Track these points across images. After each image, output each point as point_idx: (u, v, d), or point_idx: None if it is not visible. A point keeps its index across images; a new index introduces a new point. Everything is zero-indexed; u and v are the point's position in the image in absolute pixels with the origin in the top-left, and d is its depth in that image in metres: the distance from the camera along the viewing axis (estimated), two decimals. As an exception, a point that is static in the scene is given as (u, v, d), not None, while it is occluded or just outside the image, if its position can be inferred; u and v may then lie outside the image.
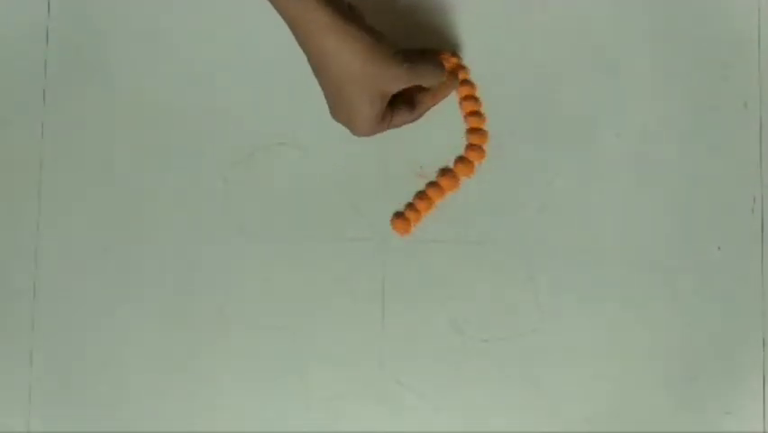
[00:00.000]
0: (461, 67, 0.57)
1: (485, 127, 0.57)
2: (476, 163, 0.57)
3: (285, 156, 0.57)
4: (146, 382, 0.57)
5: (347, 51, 0.45)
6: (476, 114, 0.57)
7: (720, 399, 0.55)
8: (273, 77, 0.58)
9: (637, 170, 0.57)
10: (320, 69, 0.46)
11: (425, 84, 0.51)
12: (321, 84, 0.47)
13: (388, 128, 0.51)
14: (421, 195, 0.57)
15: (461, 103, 0.57)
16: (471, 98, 0.57)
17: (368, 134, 0.50)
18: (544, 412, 0.55)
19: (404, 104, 0.52)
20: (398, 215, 0.57)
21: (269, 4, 0.45)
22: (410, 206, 0.57)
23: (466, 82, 0.57)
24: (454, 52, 0.57)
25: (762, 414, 0.55)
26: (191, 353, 0.57)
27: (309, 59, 0.46)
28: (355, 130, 0.49)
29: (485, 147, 0.57)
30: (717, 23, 0.57)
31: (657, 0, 0.57)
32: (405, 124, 0.52)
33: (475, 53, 0.58)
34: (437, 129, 0.57)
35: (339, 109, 0.48)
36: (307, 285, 0.57)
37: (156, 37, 0.58)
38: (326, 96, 0.48)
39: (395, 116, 0.51)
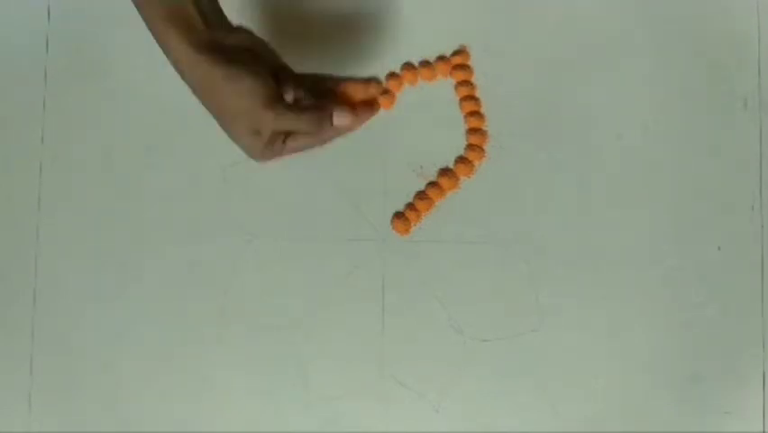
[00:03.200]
0: (466, 67, 0.57)
1: (485, 127, 0.57)
2: (476, 163, 0.57)
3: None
4: (146, 383, 0.57)
5: (199, 84, 0.43)
6: (476, 114, 0.57)
7: (720, 399, 0.55)
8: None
9: (637, 170, 0.57)
10: (200, 98, 0.44)
11: (296, 131, 0.46)
12: (219, 120, 0.45)
13: (287, 154, 0.46)
14: (421, 195, 0.57)
15: (461, 103, 0.57)
16: (471, 98, 0.57)
17: (261, 161, 0.46)
18: (544, 412, 0.56)
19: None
20: (398, 215, 0.57)
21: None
22: (410, 206, 0.57)
23: (466, 82, 0.57)
24: (462, 51, 0.57)
25: (762, 414, 0.55)
26: (191, 353, 0.57)
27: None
28: (246, 153, 0.46)
29: (485, 147, 0.57)
30: (717, 23, 0.57)
31: (657, 0, 0.57)
32: (306, 149, 0.47)
33: (475, 53, 0.58)
34: (437, 129, 0.57)
35: (224, 131, 0.46)
36: (307, 285, 0.57)
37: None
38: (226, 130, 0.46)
39: (289, 141, 0.46)
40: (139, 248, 0.57)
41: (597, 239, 0.56)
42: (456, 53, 0.58)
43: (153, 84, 0.58)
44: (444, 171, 0.57)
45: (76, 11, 0.59)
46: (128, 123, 0.58)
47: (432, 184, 0.57)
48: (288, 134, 0.45)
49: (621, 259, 0.56)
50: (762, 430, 0.55)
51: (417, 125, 0.57)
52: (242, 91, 0.43)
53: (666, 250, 0.56)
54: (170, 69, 0.58)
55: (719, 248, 0.56)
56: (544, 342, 0.56)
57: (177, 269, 0.57)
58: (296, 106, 0.45)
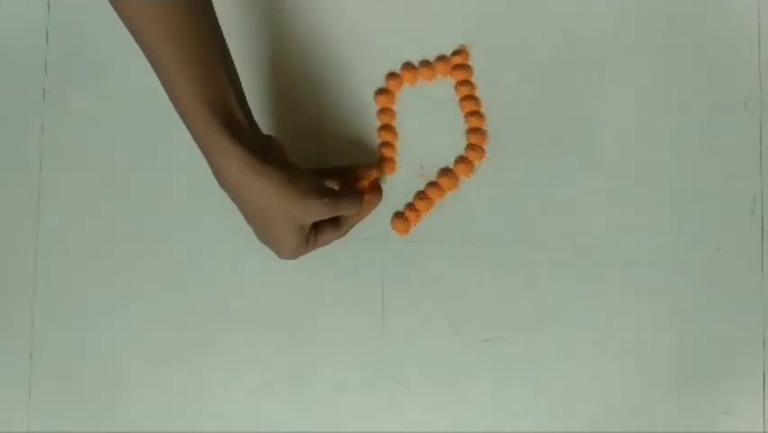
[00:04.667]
0: (466, 67, 0.57)
1: (485, 127, 0.57)
2: (476, 163, 0.57)
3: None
4: (146, 382, 0.57)
5: (260, 191, 0.44)
6: (476, 114, 0.57)
7: (720, 399, 0.55)
8: (273, 76, 0.58)
9: (637, 170, 0.57)
10: (237, 202, 0.46)
11: (344, 214, 0.51)
12: (241, 213, 0.47)
13: (315, 248, 0.51)
14: (421, 195, 0.57)
15: (461, 103, 0.57)
16: (471, 98, 0.57)
17: (293, 258, 0.50)
18: (544, 412, 0.56)
19: (330, 223, 0.51)
20: (398, 215, 0.57)
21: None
22: (410, 206, 0.57)
23: (466, 82, 0.57)
24: (462, 51, 0.57)
25: (762, 414, 0.55)
26: (191, 353, 0.57)
27: (227, 192, 0.46)
28: (280, 255, 0.50)
29: (485, 147, 0.57)
30: (717, 23, 0.57)
31: (658, 1, 0.57)
32: (332, 241, 0.52)
33: (475, 54, 0.58)
34: (437, 129, 0.57)
35: (262, 237, 0.49)
36: (307, 285, 0.57)
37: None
38: (249, 224, 0.48)
39: (320, 235, 0.51)
40: (139, 248, 0.57)
41: (597, 239, 0.56)
42: (456, 53, 0.58)
43: (153, 83, 0.58)
44: (444, 171, 0.57)
45: (76, 9, 0.59)
46: (128, 122, 0.58)
47: (432, 184, 0.57)
48: (317, 229, 0.50)
49: (621, 259, 0.56)
50: (762, 430, 0.55)
51: (417, 125, 0.57)
52: (300, 190, 0.46)
53: (666, 250, 0.56)
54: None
55: (719, 248, 0.56)
56: (544, 342, 0.56)
57: (177, 269, 0.57)
58: (338, 193, 0.50)
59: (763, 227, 0.56)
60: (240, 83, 0.48)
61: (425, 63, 0.58)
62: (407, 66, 0.58)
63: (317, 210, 0.47)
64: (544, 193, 0.57)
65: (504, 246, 0.56)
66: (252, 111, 0.48)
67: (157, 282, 0.57)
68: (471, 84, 0.57)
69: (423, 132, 0.57)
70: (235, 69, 0.48)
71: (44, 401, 0.57)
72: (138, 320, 0.57)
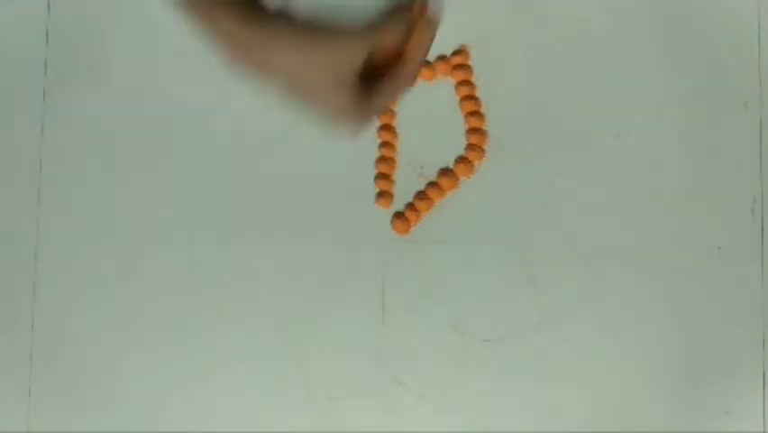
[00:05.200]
0: (466, 67, 0.57)
1: (485, 127, 0.57)
2: (476, 163, 0.57)
3: (285, 156, 0.57)
4: (146, 382, 0.57)
5: (283, 35, 0.38)
6: (476, 114, 0.57)
7: (720, 399, 0.55)
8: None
9: (637, 170, 0.57)
10: (272, 82, 0.39)
11: (389, 40, 0.40)
12: (289, 98, 0.40)
13: (374, 109, 0.41)
14: (421, 195, 0.57)
15: (461, 103, 0.57)
16: (471, 98, 0.57)
17: (358, 123, 0.41)
18: (544, 412, 0.55)
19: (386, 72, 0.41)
20: (398, 215, 0.57)
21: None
22: (410, 206, 0.57)
23: (466, 82, 0.57)
24: (462, 51, 0.57)
25: (762, 414, 0.55)
26: (191, 353, 0.57)
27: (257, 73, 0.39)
28: (339, 123, 0.41)
29: (485, 147, 0.57)
30: (717, 23, 0.57)
31: (658, 0, 0.57)
32: (393, 98, 0.42)
33: (475, 53, 0.58)
34: (437, 129, 0.57)
35: (311, 107, 0.41)
36: (307, 285, 0.57)
37: (156, 37, 0.58)
38: (302, 108, 0.41)
39: (376, 95, 0.40)
40: (139, 248, 0.57)
41: (597, 239, 0.56)
42: (456, 53, 0.58)
43: (154, 83, 0.58)
44: (444, 171, 0.57)
45: (76, 9, 0.59)
46: (128, 123, 0.58)
47: (432, 184, 0.57)
48: (367, 89, 0.40)
49: (621, 259, 0.56)
50: (762, 430, 0.55)
51: (417, 125, 0.57)
52: (316, 39, 0.38)
53: (666, 250, 0.56)
54: (171, 68, 0.58)
55: (719, 248, 0.56)
56: (544, 342, 0.56)
57: (176, 269, 0.57)
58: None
59: (763, 227, 0.56)
60: None
61: (425, 63, 0.58)
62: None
63: (354, 46, 0.38)
64: (544, 193, 0.57)
65: (504, 246, 0.56)
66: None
67: (157, 282, 0.57)
68: (471, 84, 0.57)
69: (423, 132, 0.57)
70: None
71: (44, 401, 0.57)
72: (138, 320, 0.57)
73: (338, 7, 0.41)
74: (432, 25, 0.43)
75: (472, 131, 0.57)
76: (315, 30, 0.38)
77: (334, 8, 0.40)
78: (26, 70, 0.58)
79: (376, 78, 0.41)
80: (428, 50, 0.43)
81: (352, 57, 0.39)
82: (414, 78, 0.42)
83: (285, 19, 0.39)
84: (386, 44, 0.41)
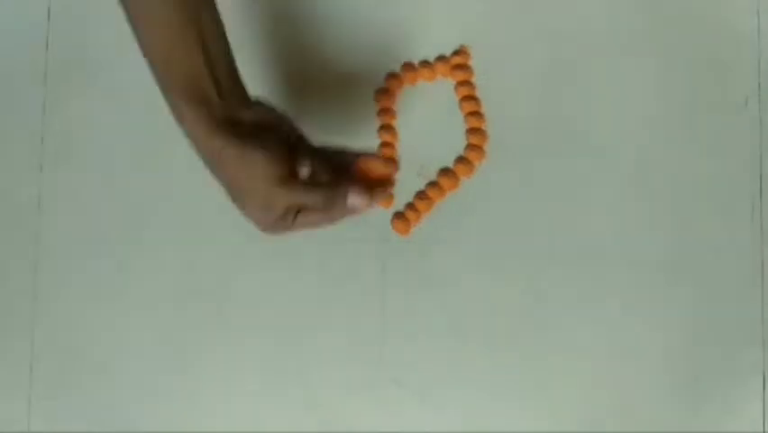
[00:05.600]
0: (466, 67, 0.57)
1: (485, 127, 0.57)
2: (476, 163, 0.57)
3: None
4: (146, 382, 0.57)
5: (217, 161, 0.43)
6: (476, 114, 0.57)
7: (720, 399, 0.55)
8: (273, 76, 0.58)
9: (637, 170, 0.57)
10: (212, 171, 0.45)
11: (313, 208, 0.45)
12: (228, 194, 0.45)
13: (298, 229, 0.46)
14: (421, 195, 0.57)
15: (461, 103, 0.57)
16: (471, 98, 0.57)
17: (271, 234, 0.45)
18: (543, 412, 0.55)
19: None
20: (398, 215, 0.57)
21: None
22: (410, 206, 0.57)
23: (466, 83, 0.57)
24: (462, 52, 0.57)
25: (762, 414, 0.55)
26: (191, 353, 0.57)
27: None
28: (258, 227, 0.45)
29: (485, 147, 0.57)
30: (717, 23, 0.57)
31: (657, 0, 0.57)
32: (319, 224, 0.46)
33: (475, 54, 0.58)
34: (437, 129, 0.57)
35: (237, 207, 0.45)
36: (308, 285, 0.57)
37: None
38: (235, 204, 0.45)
39: (301, 217, 0.45)
40: (139, 248, 0.57)
41: (597, 239, 0.56)
42: (456, 53, 0.58)
43: (153, 89, 0.58)
44: (444, 171, 0.57)
45: (76, 17, 0.59)
46: (128, 123, 0.58)
47: (432, 184, 0.57)
48: (299, 210, 0.45)
49: (621, 259, 0.56)
50: (762, 430, 0.55)
51: (417, 125, 0.57)
52: (256, 170, 0.43)
53: (666, 250, 0.56)
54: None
55: (719, 248, 0.56)
56: (544, 342, 0.56)
57: (176, 269, 0.57)
58: (309, 183, 0.44)
59: (762, 227, 0.56)
60: (220, 39, 0.44)
61: (425, 63, 0.58)
62: (407, 66, 0.58)
63: (275, 196, 0.43)
64: (544, 193, 0.57)
65: (504, 246, 0.56)
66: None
67: (157, 283, 0.57)
68: (471, 84, 0.57)
69: (423, 132, 0.57)
70: (217, 23, 0.44)
71: (44, 401, 0.57)
72: (138, 320, 0.57)
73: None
74: (384, 195, 0.47)
75: (472, 131, 0.57)
76: (251, 162, 0.43)
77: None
78: (26, 77, 0.58)
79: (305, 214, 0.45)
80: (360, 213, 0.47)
81: (275, 202, 0.43)
82: (335, 221, 0.46)
83: (243, 126, 0.43)
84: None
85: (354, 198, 0.45)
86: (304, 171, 0.45)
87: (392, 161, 0.49)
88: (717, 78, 0.57)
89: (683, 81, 0.57)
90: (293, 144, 0.45)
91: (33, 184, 0.58)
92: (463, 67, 0.57)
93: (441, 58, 0.58)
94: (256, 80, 0.57)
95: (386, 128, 0.57)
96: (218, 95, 0.43)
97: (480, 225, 0.57)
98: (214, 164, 0.44)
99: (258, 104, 0.45)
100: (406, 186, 0.57)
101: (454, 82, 0.57)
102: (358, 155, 0.47)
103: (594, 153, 0.57)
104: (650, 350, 0.56)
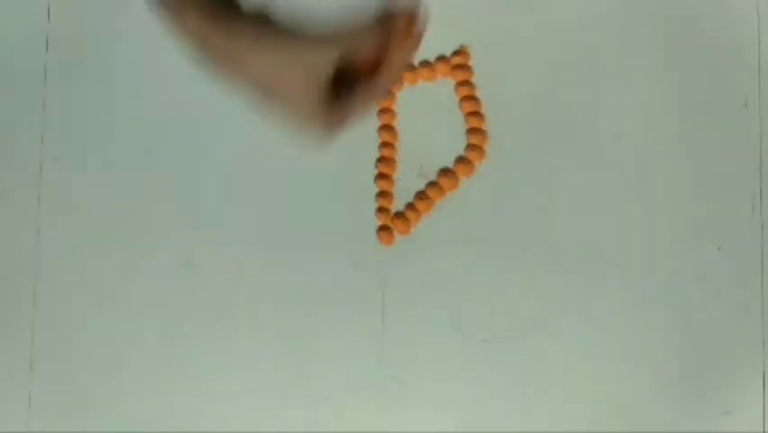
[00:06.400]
0: (466, 67, 0.57)
1: (485, 127, 0.57)
2: (476, 163, 0.57)
3: (285, 156, 0.57)
4: (146, 383, 0.57)
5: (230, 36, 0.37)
6: (476, 114, 0.57)
7: (720, 399, 0.55)
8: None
9: (637, 170, 0.57)
10: (242, 82, 0.38)
11: (366, 47, 0.39)
12: (258, 100, 0.39)
13: (347, 118, 0.39)
14: (421, 195, 0.57)
15: (461, 103, 0.57)
16: (471, 98, 0.57)
17: (325, 133, 0.39)
18: (544, 412, 0.55)
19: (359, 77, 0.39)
20: (398, 215, 0.57)
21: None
22: (410, 206, 0.57)
23: (466, 83, 0.57)
24: (462, 52, 0.57)
25: (762, 414, 0.55)
26: (191, 353, 0.57)
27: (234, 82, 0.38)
28: (307, 129, 0.39)
29: (485, 147, 0.57)
30: (717, 23, 0.57)
31: (657, 0, 0.57)
32: (368, 106, 0.40)
33: (475, 54, 0.58)
34: (437, 129, 0.57)
35: (279, 112, 0.39)
36: (307, 285, 0.57)
37: (155, 39, 0.58)
38: (271, 111, 0.39)
39: (349, 103, 0.39)
40: (139, 248, 0.57)
41: (597, 239, 0.56)
42: (456, 53, 0.58)
43: (153, 84, 0.58)
44: (444, 171, 0.57)
45: (76, 17, 0.59)
46: (128, 123, 0.58)
47: (432, 184, 0.57)
48: (338, 96, 0.38)
49: (621, 259, 0.56)
50: (762, 430, 0.55)
51: (417, 125, 0.57)
52: (289, 44, 0.37)
53: (666, 250, 0.56)
54: (171, 69, 0.58)
55: (719, 248, 0.56)
56: (544, 342, 0.56)
57: (176, 269, 0.57)
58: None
59: (762, 227, 0.56)
60: None
61: (425, 63, 0.58)
62: (407, 66, 0.58)
63: (323, 44, 0.38)
64: (544, 193, 0.57)
65: (504, 246, 0.56)
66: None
67: (156, 283, 0.57)
68: (471, 84, 0.57)
69: (423, 132, 0.57)
70: None
71: (44, 402, 0.57)
72: (138, 320, 0.57)
73: (316, 10, 0.40)
74: (415, 38, 0.40)
75: (472, 131, 0.57)
76: (286, 31, 0.38)
77: (312, 11, 0.40)
78: (26, 77, 0.58)
79: (352, 85, 0.39)
80: (408, 62, 0.41)
81: (324, 60, 0.38)
82: (386, 90, 0.41)
83: (256, 19, 0.38)
84: (362, 51, 0.39)
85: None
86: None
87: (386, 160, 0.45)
88: (717, 79, 0.57)
89: (683, 81, 0.57)
90: None
91: (33, 184, 0.58)
92: (463, 67, 0.57)
93: (441, 58, 0.58)
94: (256, 80, 0.57)
95: (386, 128, 0.57)
96: None
97: (479, 225, 0.57)
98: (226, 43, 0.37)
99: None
100: (406, 186, 0.57)
101: (454, 82, 0.57)
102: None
103: (594, 153, 0.57)
104: (650, 350, 0.56)
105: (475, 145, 0.57)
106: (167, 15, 0.38)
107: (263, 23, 0.38)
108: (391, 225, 0.56)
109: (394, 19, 0.39)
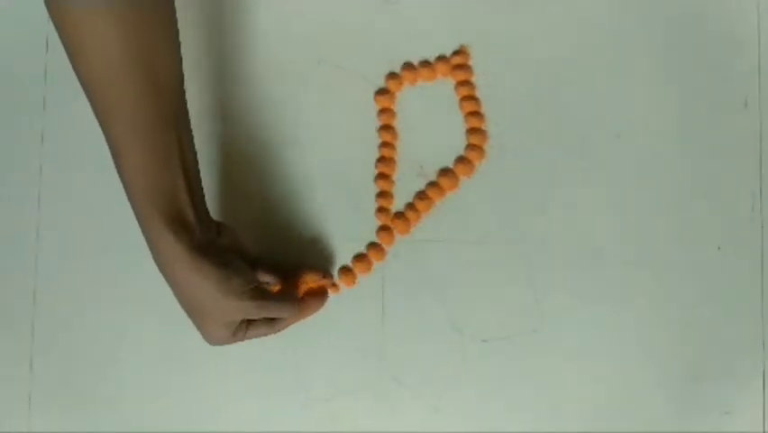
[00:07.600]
0: (466, 67, 0.57)
1: (485, 127, 0.57)
2: (476, 163, 0.57)
3: (285, 156, 0.57)
4: (146, 382, 0.57)
5: (193, 285, 0.46)
6: (476, 114, 0.57)
7: (720, 399, 0.55)
8: (273, 75, 0.58)
9: (637, 170, 0.57)
10: (170, 286, 0.47)
11: (275, 317, 0.52)
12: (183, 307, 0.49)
13: (245, 339, 0.51)
14: (421, 195, 0.57)
15: (461, 103, 0.57)
16: (471, 98, 0.57)
17: (219, 345, 0.50)
18: (544, 412, 0.56)
19: (264, 319, 0.51)
20: (398, 215, 0.57)
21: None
22: (410, 206, 0.57)
23: (466, 82, 0.57)
24: (462, 52, 0.57)
25: (762, 414, 0.55)
26: (191, 352, 0.57)
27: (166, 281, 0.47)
28: (206, 341, 0.50)
29: (485, 147, 0.57)
30: (717, 23, 0.57)
31: (657, 0, 0.57)
32: (264, 336, 0.52)
33: (475, 54, 0.58)
34: (437, 129, 0.57)
35: (191, 319, 0.49)
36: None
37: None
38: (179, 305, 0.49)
39: (251, 330, 0.51)
40: (139, 248, 0.57)
41: (597, 239, 0.56)
42: (456, 53, 0.58)
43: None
44: (444, 171, 0.57)
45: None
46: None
47: (432, 184, 0.57)
48: (249, 323, 0.51)
49: (621, 259, 0.56)
50: (762, 430, 0.55)
51: (417, 125, 0.57)
52: (232, 290, 0.47)
53: (666, 250, 0.56)
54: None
55: (719, 248, 0.56)
56: (544, 342, 0.56)
57: (177, 269, 0.57)
58: (273, 296, 0.51)
59: (762, 227, 0.56)
60: (196, 165, 0.48)
61: (425, 63, 0.58)
62: (407, 66, 0.58)
63: (248, 312, 0.48)
64: (544, 193, 0.57)
65: (504, 246, 0.56)
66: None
67: (156, 283, 0.57)
68: (471, 84, 0.57)
69: (423, 132, 0.57)
70: (193, 148, 0.47)
71: (44, 402, 0.57)
72: (138, 320, 0.57)
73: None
74: (315, 309, 0.55)
75: (472, 131, 0.57)
76: (231, 281, 0.46)
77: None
78: (26, 78, 0.58)
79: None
80: (303, 319, 0.54)
81: (240, 316, 0.48)
82: (278, 331, 0.53)
83: (216, 249, 0.47)
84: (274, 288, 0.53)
85: (309, 310, 0.54)
86: (272, 285, 0.53)
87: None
88: (717, 79, 0.57)
89: (683, 81, 0.57)
90: (252, 262, 0.51)
91: (33, 184, 0.58)
92: (463, 67, 0.57)
93: (441, 58, 0.58)
94: (257, 81, 0.57)
95: (386, 128, 0.57)
96: (197, 220, 0.46)
97: (479, 225, 0.57)
98: (190, 287, 0.46)
99: (226, 228, 0.49)
100: (406, 186, 0.57)
101: (454, 82, 0.57)
102: (299, 269, 0.54)
103: (594, 153, 0.57)
104: (650, 350, 0.56)
105: (475, 145, 0.57)
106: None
107: (214, 252, 0.47)
108: (391, 225, 0.57)
109: (305, 280, 0.54)
